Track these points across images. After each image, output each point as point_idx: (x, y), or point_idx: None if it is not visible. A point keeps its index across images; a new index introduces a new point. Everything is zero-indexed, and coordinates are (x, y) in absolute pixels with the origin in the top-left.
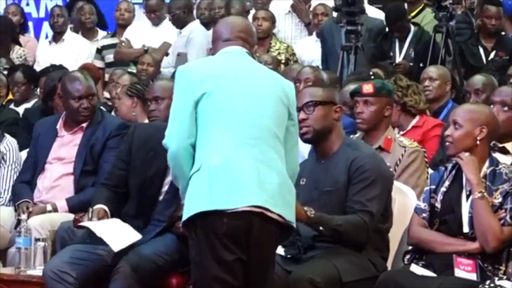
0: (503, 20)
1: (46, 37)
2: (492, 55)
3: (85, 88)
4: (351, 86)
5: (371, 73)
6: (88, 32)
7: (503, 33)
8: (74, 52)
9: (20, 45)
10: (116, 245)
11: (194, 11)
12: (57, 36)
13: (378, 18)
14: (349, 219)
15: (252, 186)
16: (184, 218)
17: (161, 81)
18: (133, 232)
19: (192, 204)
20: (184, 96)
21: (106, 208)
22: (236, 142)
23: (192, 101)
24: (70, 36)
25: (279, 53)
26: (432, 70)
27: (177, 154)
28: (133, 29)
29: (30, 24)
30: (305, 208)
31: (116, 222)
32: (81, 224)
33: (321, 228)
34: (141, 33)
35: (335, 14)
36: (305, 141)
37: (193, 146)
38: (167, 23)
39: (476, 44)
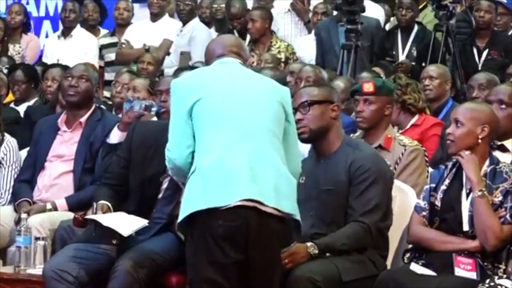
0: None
1: (46, 36)
2: (484, 55)
3: (79, 68)
4: (340, 83)
5: None
6: (90, 30)
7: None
8: (82, 49)
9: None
10: (125, 231)
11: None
12: (67, 31)
13: (374, 17)
14: (352, 233)
15: (244, 180)
16: (179, 219)
17: (173, 77)
18: (139, 219)
19: (187, 205)
20: (178, 108)
21: (109, 204)
22: (227, 140)
23: (185, 111)
24: (78, 32)
25: (279, 52)
26: (432, 69)
27: (181, 168)
28: (133, 29)
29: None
30: (308, 245)
31: (121, 214)
32: (87, 217)
33: (327, 254)
34: (141, 32)
35: (334, 12)
36: (302, 141)
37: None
38: (166, 20)
39: (471, 43)
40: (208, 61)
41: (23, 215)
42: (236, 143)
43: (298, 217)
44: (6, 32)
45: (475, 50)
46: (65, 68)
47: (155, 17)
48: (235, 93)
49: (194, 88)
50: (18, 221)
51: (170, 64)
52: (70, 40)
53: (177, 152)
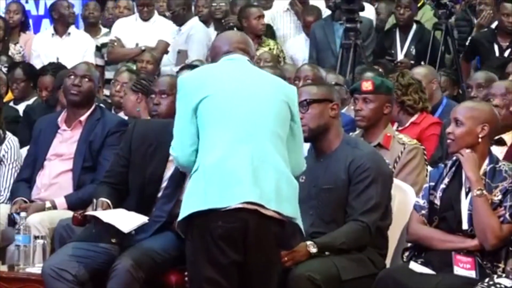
0: None
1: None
2: (507, 54)
3: (82, 67)
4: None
5: None
6: (90, 28)
7: None
8: (81, 48)
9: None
10: (125, 227)
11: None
12: (62, 29)
13: (366, 17)
14: (350, 232)
15: (246, 182)
16: (180, 218)
17: (168, 77)
18: (139, 216)
19: (188, 204)
20: (184, 106)
21: (109, 201)
22: (230, 140)
23: (190, 109)
24: (76, 31)
25: (270, 49)
26: (416, 72)
27: (185, 166)
28: (121, 25)
29: (30, 21)
30: (307, 244)
31: (121, 210)
32: (87, 213)
33: (326, 253)
34: (131, 29)
35: (328, 12)
36: None
37: (197, 150)
38: (156, 19)
39: (492, 41)
40: (214, 58)
41: (22, 214)
42: (239, 143)
43: (298, 221)
44: (7, 32)
45: (496, 47)
46: (57, 68)
47: (146, 16)
48: (241, 91)
49: (200, 86)
50: (11, 220)
51: (167, 62)
52: (67, 39)
53: (180, 150)
